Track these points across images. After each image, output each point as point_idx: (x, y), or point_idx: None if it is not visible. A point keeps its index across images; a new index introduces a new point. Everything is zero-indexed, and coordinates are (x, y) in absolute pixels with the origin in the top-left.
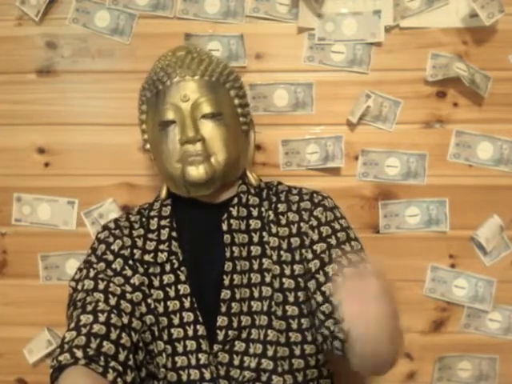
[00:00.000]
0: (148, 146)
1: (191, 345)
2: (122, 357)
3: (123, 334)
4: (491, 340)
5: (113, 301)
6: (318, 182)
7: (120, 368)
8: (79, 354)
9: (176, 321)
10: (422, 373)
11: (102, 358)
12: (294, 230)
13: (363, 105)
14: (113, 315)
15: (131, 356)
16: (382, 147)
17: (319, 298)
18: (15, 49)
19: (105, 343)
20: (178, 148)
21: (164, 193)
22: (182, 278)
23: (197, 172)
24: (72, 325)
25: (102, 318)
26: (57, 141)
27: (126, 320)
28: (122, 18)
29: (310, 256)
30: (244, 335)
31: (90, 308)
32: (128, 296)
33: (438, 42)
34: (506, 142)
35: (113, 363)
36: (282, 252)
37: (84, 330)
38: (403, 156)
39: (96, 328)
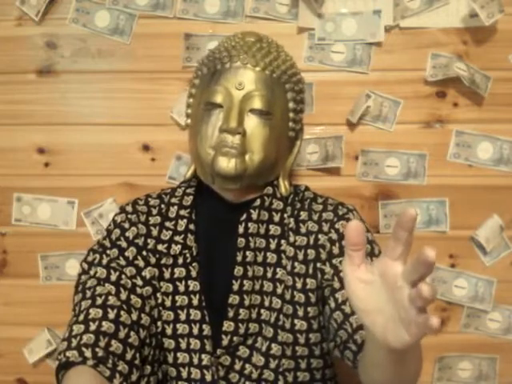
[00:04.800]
0: (189, 121)
1: (195, 344)
2: (128, 356)
3: (131, 333)
4: (491, 340)
5: (123, 295)
6: (318, 181)
7: (126, 368)
8: (88, 353)
9: (182, 316)
10: (422, 373)
11: (109, 360)
12: (312, 241)
13: (363, 105)
14: (122, 312)
15: (138, 355)
16: (381, 147)
17: (332, 305)
18: (15, 49)
19: (113, 342)
20: (216, 134)
21: (190, 173)
22: (193, 273)
23: (227, 164)
24: (81, 317)
25: (111, 314)
26: (57, 141)
27: (135, 317)
28: (122, 18)
29: (327, 269)
30: (249, 342)
31: (99, 301)
32: (138, 290)
33: (438, 42)
34: (506, 142)
35: (120, 365)
36: (296, 263)
37: (93, 327)
38: (403, 156)
39: (105, 326)
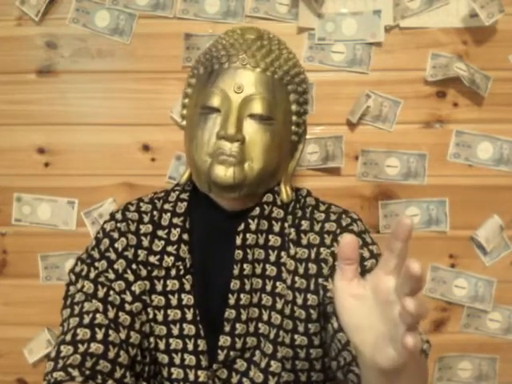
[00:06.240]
0: (184, 122)
1: (190, 359)
2: (118, 375)
3: (121, 352)
4: (491, 340)
5: (111, 313)
6: (318, 181)
7: None
8: (75, 373)
9: (175, 331)
10: None
11: (99, 376)
12: (313, 255)
13: (363, 105)
14: (111, 331)
15: (127, 373)
16: (381, 147)
17: (335, 324)
18: (15, 49)
19: (101, 362)
20: (212, 141)
21: (185, 178)
22: (187, 287)
23: (224, 173)
24: (68, 336)
25: (99, 334)
26: (57, 141)
27: (123, 335)
28: (122, 18)
29: (330, 286)
30: (247, 355)
31: (87, 320)
32: (127, 307)
33: (438, 42)
34: (506, 142)
35: (109, 381)
36: (296, 278)
37: (81, 349)
38: (403, 156)
39: (93, 347)
